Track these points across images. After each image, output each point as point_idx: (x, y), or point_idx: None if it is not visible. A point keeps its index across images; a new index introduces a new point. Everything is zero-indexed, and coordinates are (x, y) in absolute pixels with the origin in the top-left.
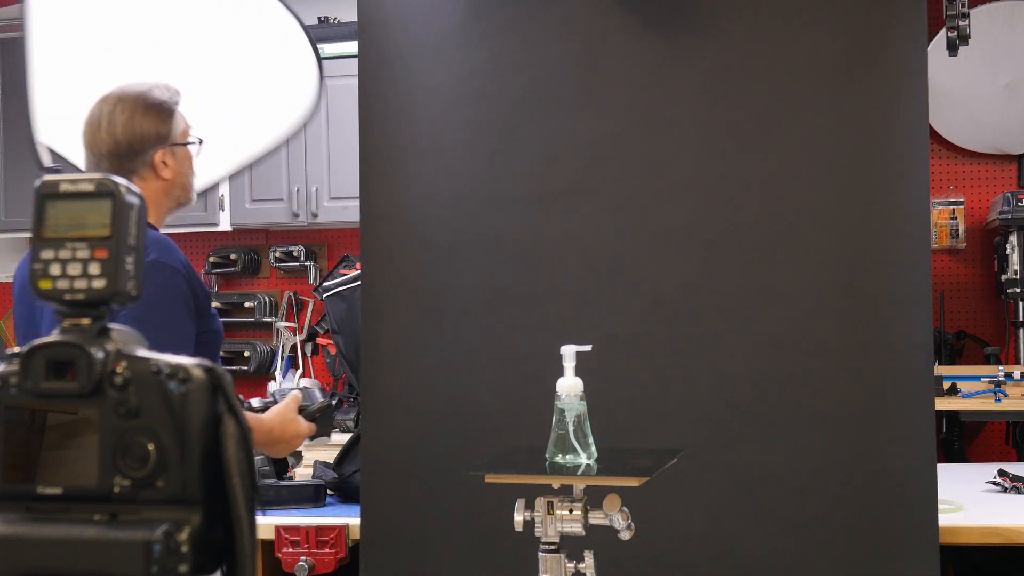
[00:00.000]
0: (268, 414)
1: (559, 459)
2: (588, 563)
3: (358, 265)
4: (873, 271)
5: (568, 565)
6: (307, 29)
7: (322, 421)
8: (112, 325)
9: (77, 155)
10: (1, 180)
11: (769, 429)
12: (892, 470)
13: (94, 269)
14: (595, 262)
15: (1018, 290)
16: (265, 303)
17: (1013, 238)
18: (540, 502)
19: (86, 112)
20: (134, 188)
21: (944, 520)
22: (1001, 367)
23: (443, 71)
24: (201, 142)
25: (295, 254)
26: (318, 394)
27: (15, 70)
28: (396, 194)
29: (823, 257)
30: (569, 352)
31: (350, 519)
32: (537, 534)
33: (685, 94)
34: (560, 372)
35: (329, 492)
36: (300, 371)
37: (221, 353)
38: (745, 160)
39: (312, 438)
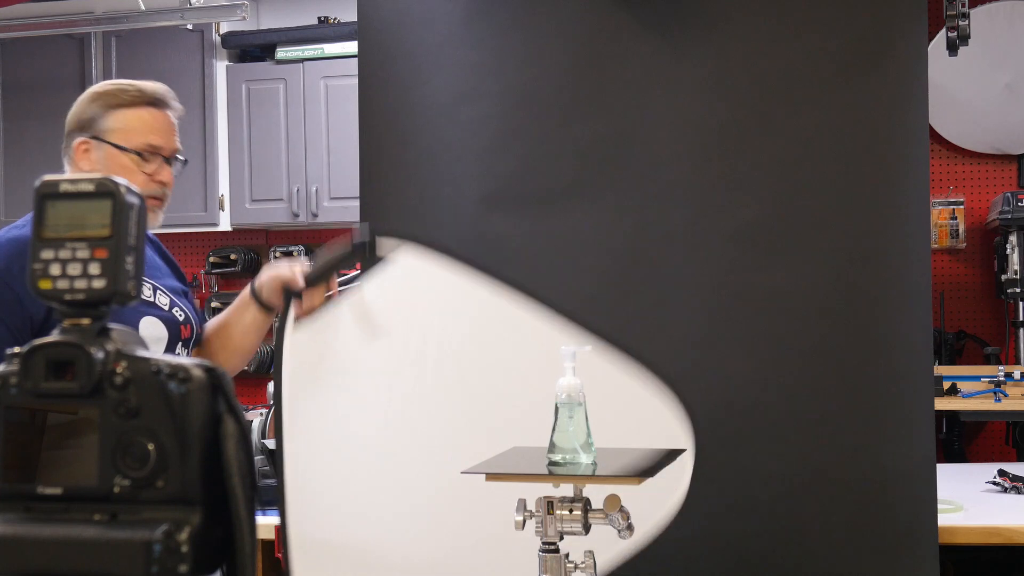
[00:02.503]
0: None
1: (559, 459)
2: (588, 563)
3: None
4: (873, 271)
5: (568, 565)
6: None
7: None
8: (112, 325)
9: None
10: (1, 180)
11: (769, 429)
12: (892, 470)
13: (94, 269)
14: (595, 262)
15: (1018, 290)
16: None
17: (1013, 238)
18: (540, 502)
19: None
20: (134, 188)
21: (944, 520)
22: (1001, 367)
23: (443, 71)
24: (173, 158)
25: (295, 254)
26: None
27: (15, 70)
28: (396, 194)
29: (823, 257)
30: (569, 352)
31: None
32: (537, 534)
33: (685, 94)
34: (560, 372)
35: None
36: None
37: None
38: (745, 160)
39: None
